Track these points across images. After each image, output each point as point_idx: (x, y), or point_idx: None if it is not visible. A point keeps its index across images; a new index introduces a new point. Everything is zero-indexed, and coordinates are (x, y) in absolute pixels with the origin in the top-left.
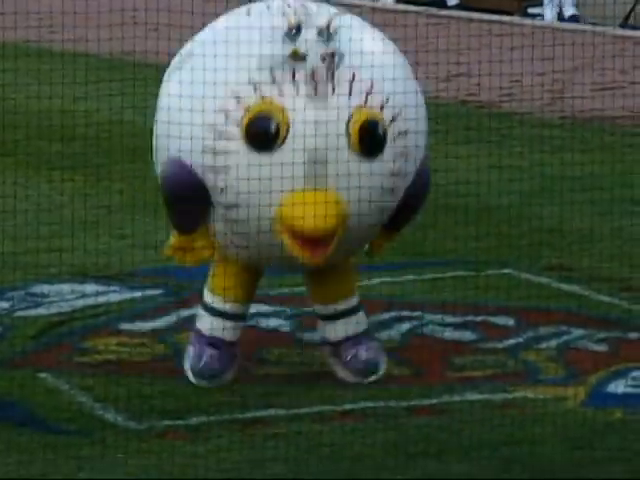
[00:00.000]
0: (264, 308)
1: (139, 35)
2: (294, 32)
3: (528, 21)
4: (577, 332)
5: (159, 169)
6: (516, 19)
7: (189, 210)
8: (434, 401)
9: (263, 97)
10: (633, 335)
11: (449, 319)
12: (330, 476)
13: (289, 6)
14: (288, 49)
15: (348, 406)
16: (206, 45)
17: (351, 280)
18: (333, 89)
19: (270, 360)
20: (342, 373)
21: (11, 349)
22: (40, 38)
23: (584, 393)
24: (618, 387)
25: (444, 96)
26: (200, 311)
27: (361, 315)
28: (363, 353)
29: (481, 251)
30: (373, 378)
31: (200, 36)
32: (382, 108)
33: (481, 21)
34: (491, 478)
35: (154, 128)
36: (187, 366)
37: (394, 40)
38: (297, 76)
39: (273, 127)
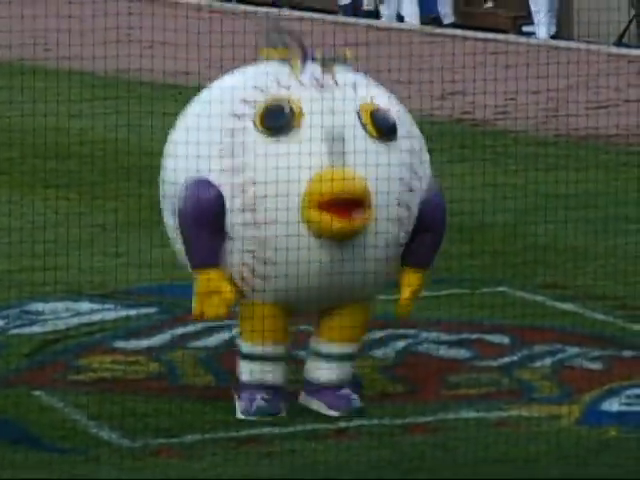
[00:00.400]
0: None
1: (134, 53)
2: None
3: (523, 39)
4: (572, 350)
5: (176, 203)
6: (511, 37)
7: (211, 229)
8: (429, 419)
9: (273, 95)
10: (627, 353)
11: (444, 337)
12: None
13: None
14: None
15: (343, 424)
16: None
17: (362, 326)
18: (336, 84)
19: None
20: (319, 407)
21: (5, 367)
22: (35, 56)
23: (578, 411)
24: (612, 405)
25: (439, 114)
26: (238, 361)
27: (353, 364)
28: (345, 399)
29: (476, 269)
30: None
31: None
32: (387, 110)
33: (476, 39)
34: None
35: (162, 175)
36: (240, 415)
37: (389, 58)
38: (301, 78)
39: (287, 109)
